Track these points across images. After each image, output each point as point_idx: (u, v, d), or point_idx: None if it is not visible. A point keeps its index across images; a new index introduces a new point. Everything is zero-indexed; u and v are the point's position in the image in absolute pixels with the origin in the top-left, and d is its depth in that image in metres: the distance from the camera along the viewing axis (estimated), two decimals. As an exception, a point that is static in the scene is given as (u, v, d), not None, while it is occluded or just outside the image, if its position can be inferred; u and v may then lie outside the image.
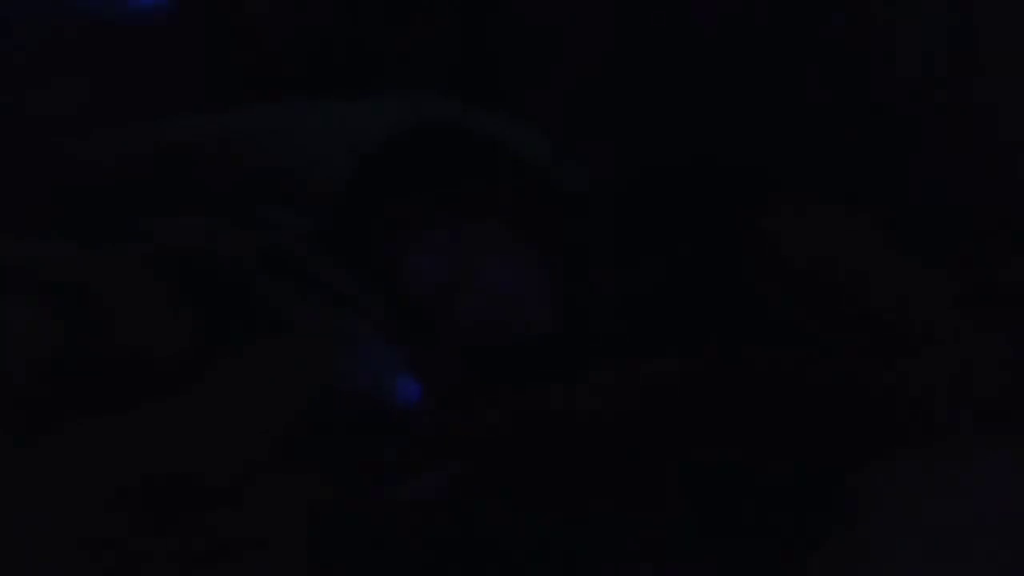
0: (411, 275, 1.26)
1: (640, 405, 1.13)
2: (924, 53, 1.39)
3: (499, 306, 1.26)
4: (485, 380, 1.23)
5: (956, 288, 1.18)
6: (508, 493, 1.12)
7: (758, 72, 1.49)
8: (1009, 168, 1.35)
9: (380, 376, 1.20)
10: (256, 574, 1.03)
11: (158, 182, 1.36)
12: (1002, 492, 1.01)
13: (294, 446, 1.11)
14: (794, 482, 1.08)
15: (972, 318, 1.16)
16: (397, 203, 1.27)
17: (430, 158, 1.31)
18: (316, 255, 1.27)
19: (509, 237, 1.27)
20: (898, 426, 1.09)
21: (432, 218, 1.27)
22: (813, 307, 1.21)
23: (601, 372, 1.20)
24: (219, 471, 1.08)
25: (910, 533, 1.00)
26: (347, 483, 1.12)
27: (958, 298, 1.17)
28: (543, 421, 1.15)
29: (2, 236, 1.24)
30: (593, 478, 1.12)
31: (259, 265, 1.22)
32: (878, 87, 1.42)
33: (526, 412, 1.16)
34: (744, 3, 1.49)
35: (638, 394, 1.14)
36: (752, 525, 1.05)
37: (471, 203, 1.27)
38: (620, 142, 1.53)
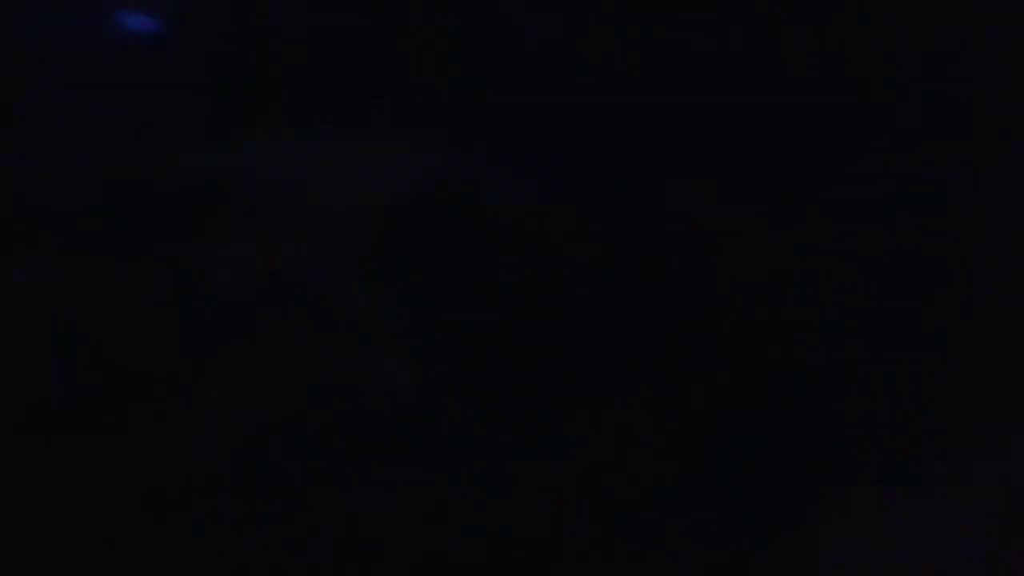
0: None
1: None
2: (924, 50, 1.38)
3: None
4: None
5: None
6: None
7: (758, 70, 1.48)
8: (1009, 164, 1.34)
9: (370, 383, 1.23)
10: (248, 566, 1.07)
11: (174, 209, 1.40)
12: (985, 492, 1.01)
13: (281, 446, 1.16)
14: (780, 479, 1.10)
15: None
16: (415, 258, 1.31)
17: (441, 219, 1.35)
18: (318, 279, 1.30)
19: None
20: (889, 428, 1.10)
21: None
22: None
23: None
24: (210, 470, 1.12)
25: (886, 520, 1.02)
26: (339, 482, 1.16)
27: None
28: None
29: (17, 253, 1.28)
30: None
31: (253, 288, 1.26)
32: (879, 86, 1.41)
33: None
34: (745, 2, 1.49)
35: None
36: (744, 512, 1.08)
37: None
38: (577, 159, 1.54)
